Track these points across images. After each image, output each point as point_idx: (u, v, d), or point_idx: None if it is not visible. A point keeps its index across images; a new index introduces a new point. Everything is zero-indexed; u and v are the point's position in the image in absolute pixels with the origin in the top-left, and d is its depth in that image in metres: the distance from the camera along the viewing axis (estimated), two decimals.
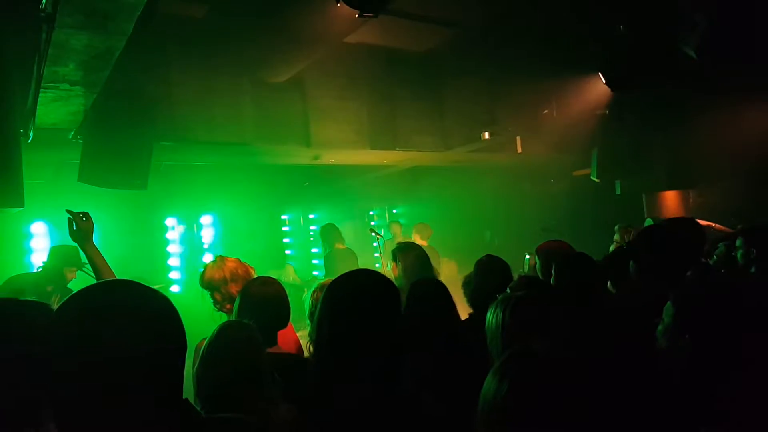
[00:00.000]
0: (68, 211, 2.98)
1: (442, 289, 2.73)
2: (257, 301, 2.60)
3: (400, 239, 7.45)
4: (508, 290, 2.76)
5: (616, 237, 5.98)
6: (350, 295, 1.72)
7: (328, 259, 6.82)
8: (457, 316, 2.78)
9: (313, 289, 2.95)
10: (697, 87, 5.47)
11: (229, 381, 1.97)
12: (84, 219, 2.97)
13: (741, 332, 1.82)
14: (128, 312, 1.13)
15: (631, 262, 2.92)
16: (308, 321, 2.90)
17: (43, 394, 1.35)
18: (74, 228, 2.94)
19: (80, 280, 5.38)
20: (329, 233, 6.96)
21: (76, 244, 4.36)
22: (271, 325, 2.60)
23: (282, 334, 2.71)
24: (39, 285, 4.73)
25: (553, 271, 3.08)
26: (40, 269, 4.98)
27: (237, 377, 1.98)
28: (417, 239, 7.23)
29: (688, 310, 1.93)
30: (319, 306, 1.73)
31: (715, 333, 1.85)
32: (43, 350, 1.12)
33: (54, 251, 5.00)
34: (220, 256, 3.25)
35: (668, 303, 2.03)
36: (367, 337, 1.62)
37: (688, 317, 1.91)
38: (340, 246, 6.92)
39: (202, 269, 3.18)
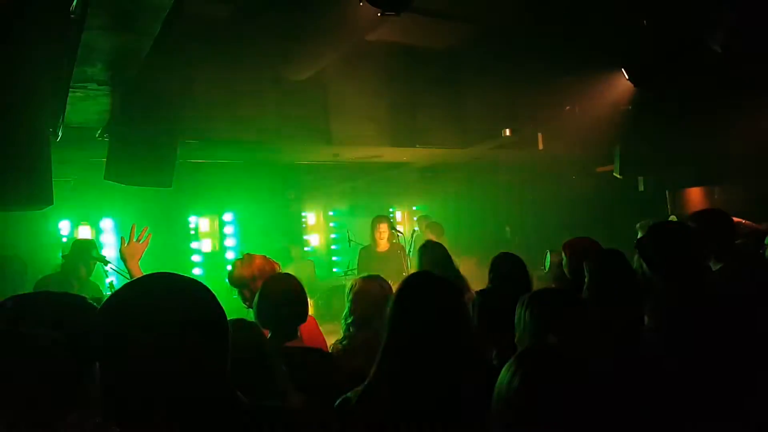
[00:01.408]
0: (133, 227, 3.03)
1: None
2: (276, 297, 2.64)
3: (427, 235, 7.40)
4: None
5: (640, 235, 5.90)
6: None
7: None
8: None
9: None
10: (722, 82, 5.37)
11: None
12: (140, 241, 3.03)
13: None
14: (172, 300, 1.17)
15: (640, 259, 2.85)
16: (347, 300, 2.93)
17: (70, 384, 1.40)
18: (126, 244, 3.00)
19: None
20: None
21: (92, 239, 4.45)
22: (291, 320, 2.64)
23: (308, 331, 2.74)
24: (64, 283, 4.81)
25: (586, 269, 3.05)
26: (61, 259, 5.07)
27: (237, 375, 2.02)
28: (432, 238, 7.15)
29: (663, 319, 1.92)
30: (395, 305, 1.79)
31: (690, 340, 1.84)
32: (90, 338, 1.16)
33: (75, 244, 5.09)
34: (248, 253, 3.31)
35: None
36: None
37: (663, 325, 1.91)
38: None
39: (231, 267, 3.24)
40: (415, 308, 1.80)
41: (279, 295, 2.64)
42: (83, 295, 4.88)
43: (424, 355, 1.71)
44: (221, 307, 1.23)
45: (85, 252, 4.95)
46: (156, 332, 1.12)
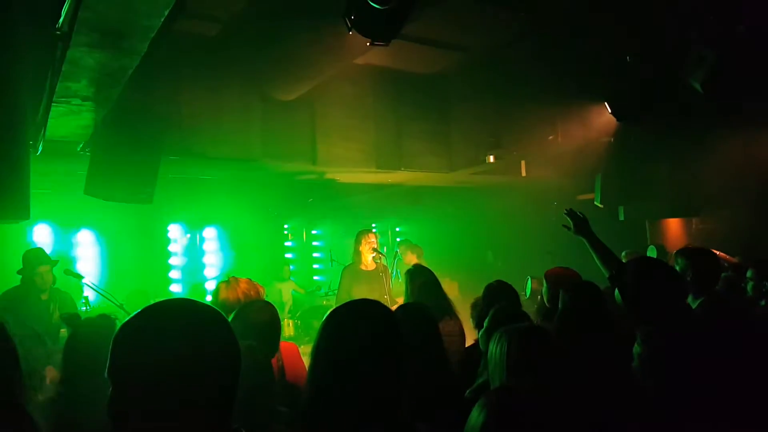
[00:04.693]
0: None
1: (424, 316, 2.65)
2: (251, 327, 2.55)
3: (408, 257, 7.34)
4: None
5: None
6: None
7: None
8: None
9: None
10: (701, 116, 5.51)
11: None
12: None
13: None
14: (189, 331, 1.18)
15: (616, 292, 2.87)
16: None
17: None
18: None
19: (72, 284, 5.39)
20: None
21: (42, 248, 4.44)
22: (263, 352, 2.56)
23: (289, 359, 2.70)
24: (27, 298, 4.66)
25: (560, 301, 3.06)
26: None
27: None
28: (413, 260, 7.08)
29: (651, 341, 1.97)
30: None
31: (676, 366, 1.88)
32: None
33: (25, 257, 4.84)
34: (233, 277, 3.27)
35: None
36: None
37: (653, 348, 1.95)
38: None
39: (215, 290, 3.20)
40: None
41: (257, 325, 2.58)
42: (54, 304, 4.79)
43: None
44: (237, 346, 1.25)
45: (37, 262, 4.79)
46: (163, 361, 1.13)
